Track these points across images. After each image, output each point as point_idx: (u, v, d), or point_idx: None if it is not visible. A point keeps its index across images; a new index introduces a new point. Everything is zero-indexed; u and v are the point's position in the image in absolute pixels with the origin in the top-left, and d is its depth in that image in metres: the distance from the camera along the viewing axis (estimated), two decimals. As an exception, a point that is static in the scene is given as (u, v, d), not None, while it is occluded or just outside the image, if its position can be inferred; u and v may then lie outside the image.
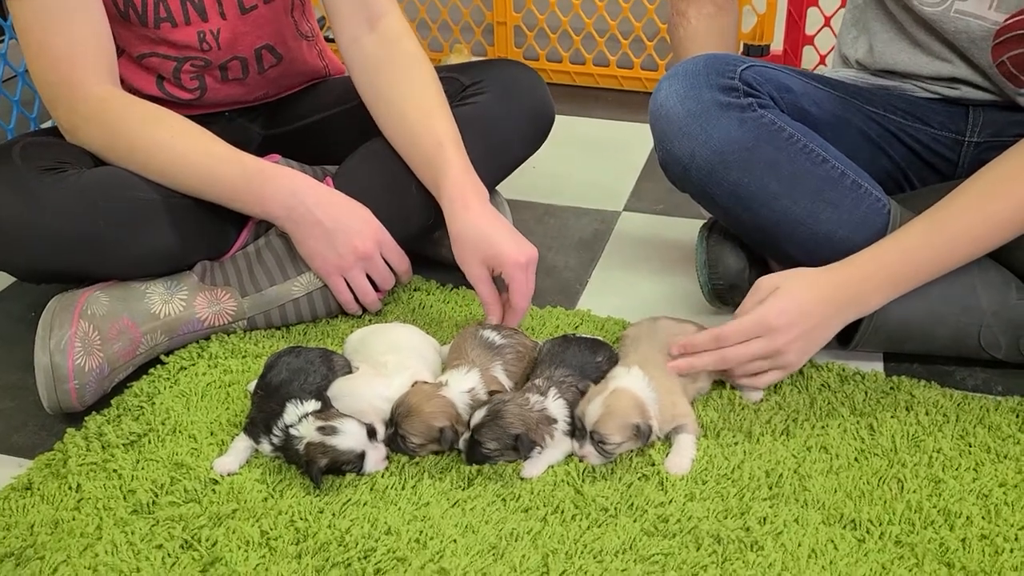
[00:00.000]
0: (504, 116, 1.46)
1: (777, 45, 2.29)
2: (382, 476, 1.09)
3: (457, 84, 1.48)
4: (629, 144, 2.05)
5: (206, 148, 1.30)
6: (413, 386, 1.14)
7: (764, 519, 1.03)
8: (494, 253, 1.27)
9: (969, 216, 1.17)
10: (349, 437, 1.08)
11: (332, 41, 1.49)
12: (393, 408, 1.12)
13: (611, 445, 1.08)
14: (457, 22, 2.47)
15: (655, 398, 1.11)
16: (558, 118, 1.55)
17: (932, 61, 1.33)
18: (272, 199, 1.30)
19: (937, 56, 1.32)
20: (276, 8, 1.46)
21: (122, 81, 1.36)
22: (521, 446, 1.08)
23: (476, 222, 1.29)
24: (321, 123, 1.57)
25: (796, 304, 1.16)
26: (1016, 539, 0.99)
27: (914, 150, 1.38)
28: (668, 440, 1.14)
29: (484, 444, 1.09)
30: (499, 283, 1.31)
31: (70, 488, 1.09)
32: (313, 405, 1.12)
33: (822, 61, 2.24)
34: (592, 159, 2.01)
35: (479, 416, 1.10)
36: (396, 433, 1.11)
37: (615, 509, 1.04)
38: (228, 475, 1.10)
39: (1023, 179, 1.15)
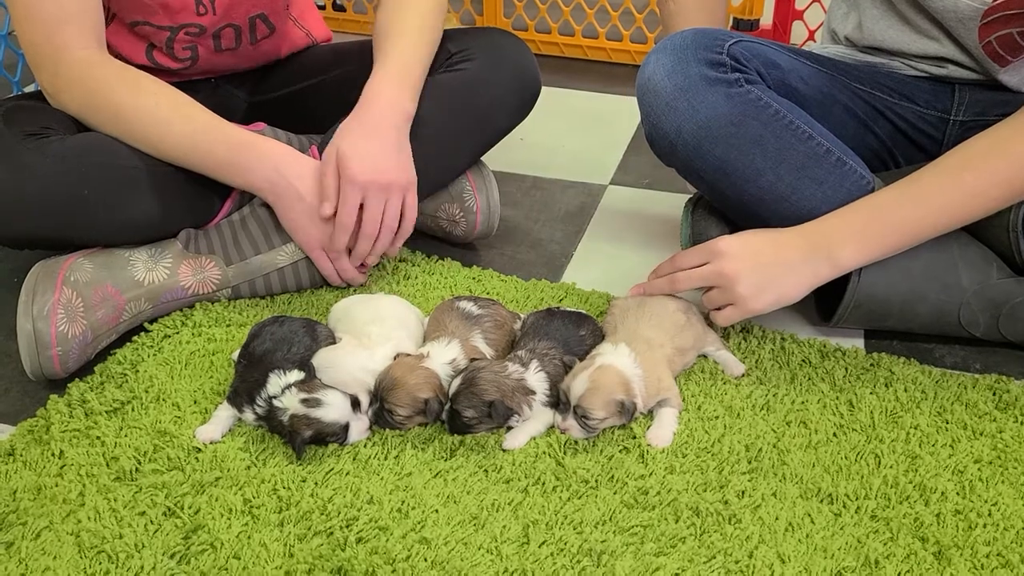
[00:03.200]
0: (490, 84, 1.45)
1: (767, 19, 2.28)
2: (365, 446, 1.10)
3: (444, 51, 1.47)
4: (617, 117, 2.04)
5: (190, 117, 1.29)
6: (395, 360, 1.14)
7: (743, 492, 1.04)
8: (342, 152, 1.27)
9: (942, 182, 1.18)
10: (333, 409, 1.08)
11: (322, 8, 1.48)
12: (376, 382, 1.12)
13: (594, 420, 1.09)
14: (446, -10, 2.45)
15: (640, 375, 1.12)
16: (546, 90, 1.54)
17: (920, 39, 1.33)
18: (255, 172, 1.29)
19: (925, 34, 1.33)
20: None
21: (110, 48, 1.34)
22: (495, 413, 1.09)
23: (355, 124, 1.30)
24: (307, 91, 1.56)
25: (744, 238, 1.23)
26: (989, 515, 1.01)
27: (900, 128, 1.38)
28: (651, 413, 1.15)
29: (462, 413, 1.10)
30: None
31: (53, 455, 1.09)
32: (296, 375, 1.12)
33: (811, 36, 2.24)
34: (580, 132, 2.01)
35: (455, 385, 1.10)
36: (382, 408, 1.11)
37: (596, 481, 1.05)
38: (210, 443, 1.10)
39: (1000, 154, 1.16)
